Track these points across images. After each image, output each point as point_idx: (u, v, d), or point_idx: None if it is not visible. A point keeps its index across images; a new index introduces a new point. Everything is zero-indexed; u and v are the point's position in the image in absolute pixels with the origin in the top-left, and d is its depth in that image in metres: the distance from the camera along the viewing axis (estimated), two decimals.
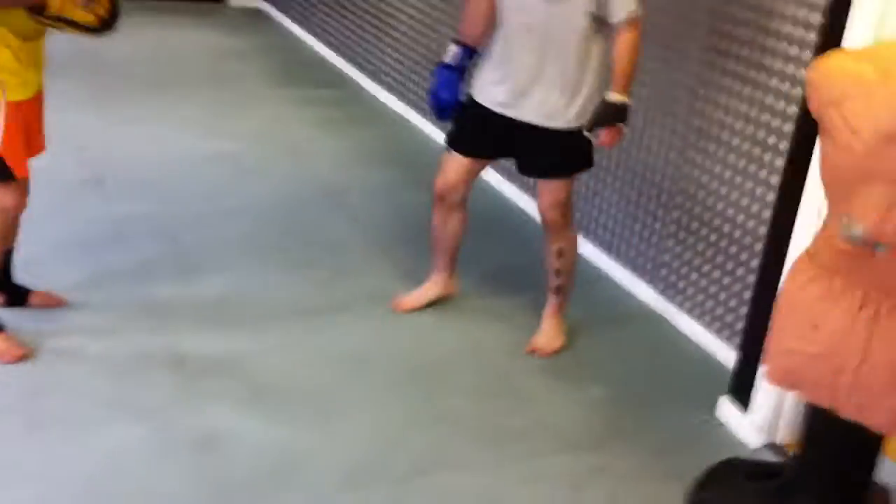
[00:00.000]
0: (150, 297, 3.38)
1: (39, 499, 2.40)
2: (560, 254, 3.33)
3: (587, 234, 4.12)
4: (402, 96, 5.88)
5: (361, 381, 3.05)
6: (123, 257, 3.62)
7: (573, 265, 3.39)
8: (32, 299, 3.26)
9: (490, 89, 3.15)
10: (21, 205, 3.00)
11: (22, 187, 2.98)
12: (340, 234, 4.11)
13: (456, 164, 3.29)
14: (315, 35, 7.31)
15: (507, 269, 3.91)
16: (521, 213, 4.51)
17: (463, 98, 3.25)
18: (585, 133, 3.02)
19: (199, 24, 7.68)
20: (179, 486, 2.49)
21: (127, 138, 4.92)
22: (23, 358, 2.95)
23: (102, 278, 3.46)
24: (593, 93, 3.08)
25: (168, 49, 6.87)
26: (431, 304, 3.53)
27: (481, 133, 3.24)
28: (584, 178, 4.13)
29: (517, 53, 3.06)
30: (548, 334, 3.39)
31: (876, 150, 1.70)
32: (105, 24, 2.86)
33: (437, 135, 5.09)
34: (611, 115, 2.99)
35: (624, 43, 2.98)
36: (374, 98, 6.17)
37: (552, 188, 3.22)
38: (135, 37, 7.01)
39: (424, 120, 5.52)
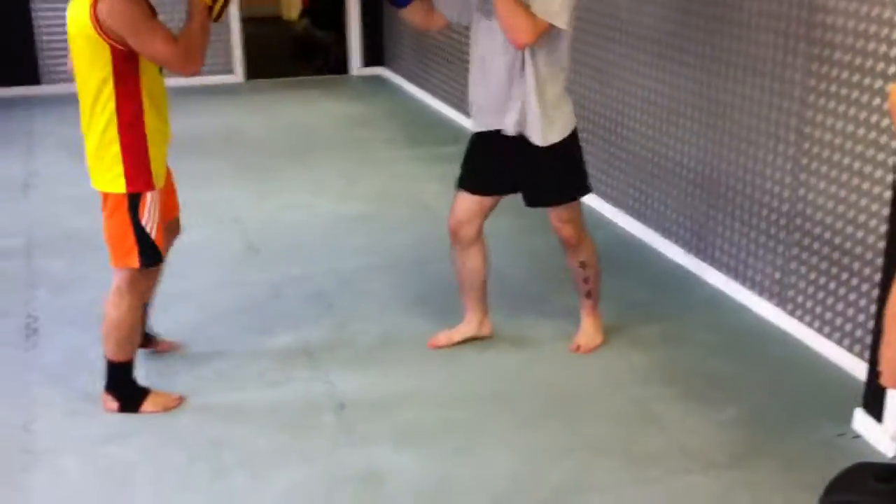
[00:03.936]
0: (309, 349, 3.69)
1: None
2: (583, 265, 3.56)
3: (711, 261, 4.25)
4: None
5: (505, 414, 3.27)
6: (284, 318, 3.95)
7: (597, 269, 3.60)
8: (158, 345, 3.59)
9: (478, 114, 3.36)
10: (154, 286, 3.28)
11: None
12: None
13: (465, 202, 3.49)
14: (434, 95, 7.67)
15: (638, 302, 4.08)
16: (646, 249, 4.68)
17: None
18: None
19: (326, 95, 8.17)
20: None
21: (272, 207, 5.34)
22: (179, 403, 3.25)
23: (266, 336, 3.79)
24: (556, 103, 3.24)
25: (300, 121, 7.35)
26: (464, 342, 3.69)
27: (487, 168, 3.44)
28: (703, 207, 4.27)
29: (479, 74, 3.28)
30: (587, 332, 3.66)
31: None
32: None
33: None
34: None
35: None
36: None
37: (560, 210, 3.42)
38: (269, 113, 7.54)
39: None
